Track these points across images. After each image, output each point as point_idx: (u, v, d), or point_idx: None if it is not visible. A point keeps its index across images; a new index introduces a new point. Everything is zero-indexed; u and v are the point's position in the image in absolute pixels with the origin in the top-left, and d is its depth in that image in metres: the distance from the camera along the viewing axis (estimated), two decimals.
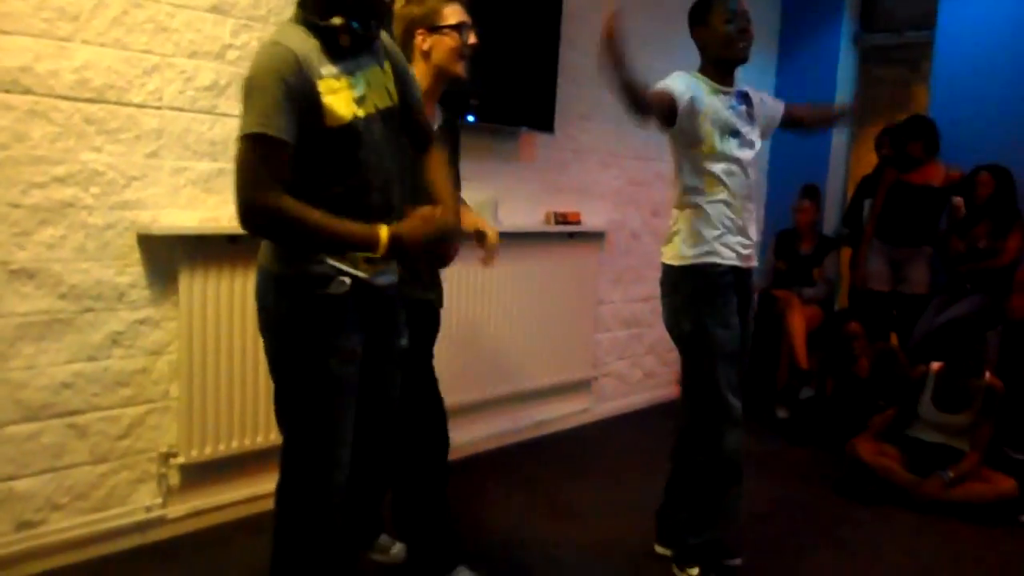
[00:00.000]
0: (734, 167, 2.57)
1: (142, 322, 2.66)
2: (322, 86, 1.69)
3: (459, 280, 3.47)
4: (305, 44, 1.69)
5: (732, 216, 2.58)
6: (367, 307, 1.86)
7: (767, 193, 5.67)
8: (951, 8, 5.00)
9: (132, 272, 2.63)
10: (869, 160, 5.24)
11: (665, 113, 2.46)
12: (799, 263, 5.01)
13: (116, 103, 2.55)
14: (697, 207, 2.57)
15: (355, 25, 1.73)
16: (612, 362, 4.63)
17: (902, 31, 5.43)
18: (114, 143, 2.56)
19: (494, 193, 3.67)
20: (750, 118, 2.65)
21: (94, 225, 2.54)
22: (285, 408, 1.86)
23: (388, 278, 1.92)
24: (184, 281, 2.67)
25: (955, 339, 3.60)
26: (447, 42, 2.27)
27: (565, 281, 4.10)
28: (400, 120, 1.90)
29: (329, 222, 1.66)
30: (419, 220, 1.75)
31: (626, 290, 4.65)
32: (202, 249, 2.70)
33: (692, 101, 2.49)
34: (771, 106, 2.75)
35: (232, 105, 2.81)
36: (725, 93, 2.60)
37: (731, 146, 2.56)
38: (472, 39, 2.31)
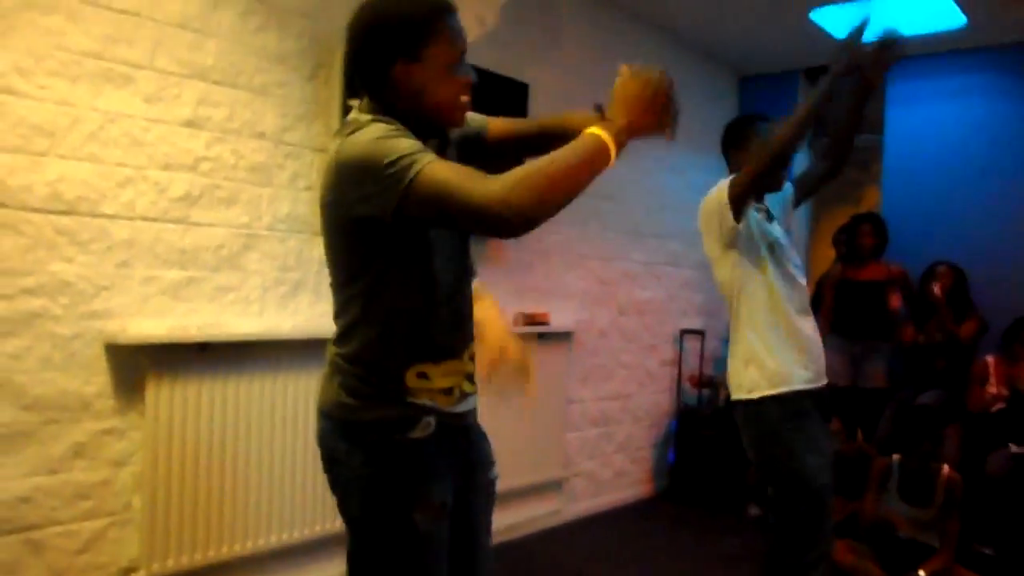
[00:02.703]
0: (792, 278, 2.54)
1: (106, 432, 2.63)
2: None
3: None
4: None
5: (804, 331, 2.49)
6: (453, 445, 1.64)
7: None
8: (898, 113, 5.27)
9: (98, 382, 2.62)
10: (828, 256, 5.39)
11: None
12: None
13: (88, 215, 2.59)
14: (763, 331, 2.45)
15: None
16: (582, 462, 4.62)
17: None
18: (85, 254, 2.58)
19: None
20: (775, 223, 2.61)
21: (61, 335, 2.54)
22: (363, 570, 1.61)
23: (469, 404, 1.68)
24: (151, 390, 2.66)
25: (911, 427, 3.65)
26: None
27: (535, 380, 4.11)
28: None
29: (563, 155, 1.37)
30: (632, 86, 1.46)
31: (595, 388, 4.68)
32: (170, 357, 2.70)
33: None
34: (783, 199, 2.69)
35: (204, 213, 2.87)
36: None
37: (786, 258, 2.53)
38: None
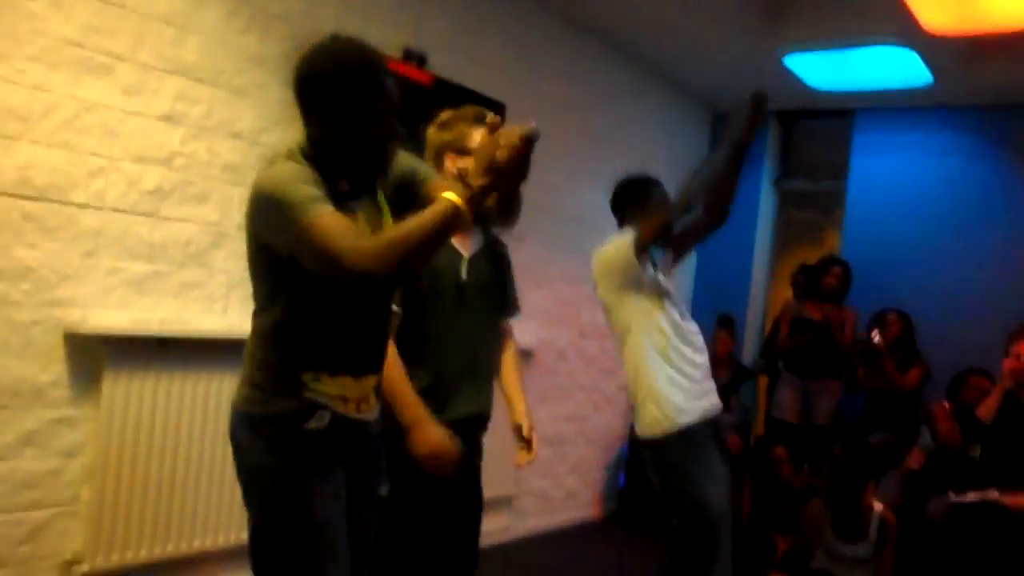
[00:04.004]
0: (683, 320, 2.71)
1: (59, 421, 2.61)
2: None
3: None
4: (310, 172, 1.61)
5: (695, 365, 2.69)
6: (349, 447, 1.75)
7: None
8: (862, 161, 5.44)
9: (55, 370, 2.59)
10: (786, 294, 5.52)
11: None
12: (717, 391, 5.17)
13: (57, 202, 2.58)
14: (658, 370, 2.61)
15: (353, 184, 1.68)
16: (534, 480, 4.64)
17: (817, 179, 5.83)
18: (51, 241, 2.57)
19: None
20: (663, 273, 2.78)
21: (20, 321, 2.51)
22: (262, 556, 1.69)
23: (370, 415, 1.79)
24: (108, 382, 2.64)
25: (845, 458, 3.74)
26: None
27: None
28: None
29: (421, 221, 1.50)
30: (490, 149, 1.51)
31: (551, 408, 4.72)
32: (130, 350, 2.68)
33: None
34: (659, 255, 2.80)
35: (175, 209, 2.87)
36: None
37: (670, 305, 2.68)
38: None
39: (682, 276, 5.83)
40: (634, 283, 2.62)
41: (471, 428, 2.22)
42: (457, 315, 2.13)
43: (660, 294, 2.65)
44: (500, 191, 1.60)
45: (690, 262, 5.93)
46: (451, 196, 1.50)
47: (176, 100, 2.86)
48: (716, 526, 2.55)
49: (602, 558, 4.45)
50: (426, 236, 1.51)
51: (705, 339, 5.53)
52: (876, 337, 4.64)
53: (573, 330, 4.83)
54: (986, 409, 4.04)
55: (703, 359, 2.73)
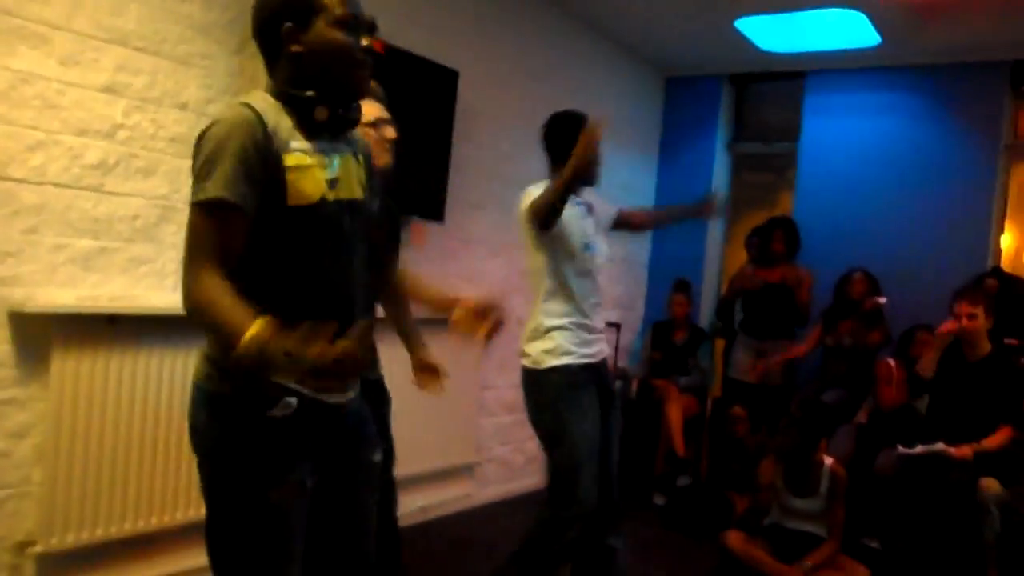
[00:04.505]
0: (588, 274, 2.82)
1: (6, 403, 2.55)
2: (289, 160, 1.52)
3: None
4: (276, 113, 1.54)
5: (585, 319, 2.81)
6: (320, 429, 1.63)
7: (647, 287, 5.96)
8: (813, 123, 5.49)
9: (0, 351, 2.53)
10: (741, 257, 5.58)
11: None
12: (674, 353, 5.25)
13: None
14: (555, 311, 2.79)
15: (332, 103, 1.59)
16: (495, 447, 4.68)
17: (770, 141, 5.89)
18: None
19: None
20: (596, 227, 2.91)
21: None
22: (218, 546, 1.60)
23: (345, 395, 1.67)
24: (56, 361, 2.58)
25: (797, 416, 3.82)
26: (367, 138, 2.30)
27: (449, 366, 4.14)
28: (368, 219, 1.71)
29: (216, 304, 1.39)
30: (311, 338, 1.32)
31: (510, 376, 4.71)
32: (78, 328, 2.63)
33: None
34: (607, 211, 3.03)
35: (120, 183, 2.80)
36: (577, 204, 2.83)
37: (587, 256, 2.82)
38: (391, 133, 2.33)
39: (638, 241, 5.87)
40: (540, 239, 2.77)
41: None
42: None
43: (571, 250, 2.77)
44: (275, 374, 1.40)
45: None
46: (250, 330, 1.32)
47: (117, 71, 2.78)
48: (578, 461, 2.70)
49: None
50: (208, 321, 1.41)
51: (661, 303, 5.63)
52: (883, 300, 4.70)
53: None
54: (923, 367, 4.15)
55: (597, 311, 2.89)
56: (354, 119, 1.67)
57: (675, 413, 4.90)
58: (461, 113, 4.03)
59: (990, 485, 3.73)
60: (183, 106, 2.97)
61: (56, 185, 2.64)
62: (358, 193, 1.67)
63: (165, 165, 2.93)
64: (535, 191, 2.74)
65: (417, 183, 3.85)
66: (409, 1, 3.81)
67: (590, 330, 2.83)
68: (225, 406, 1.56)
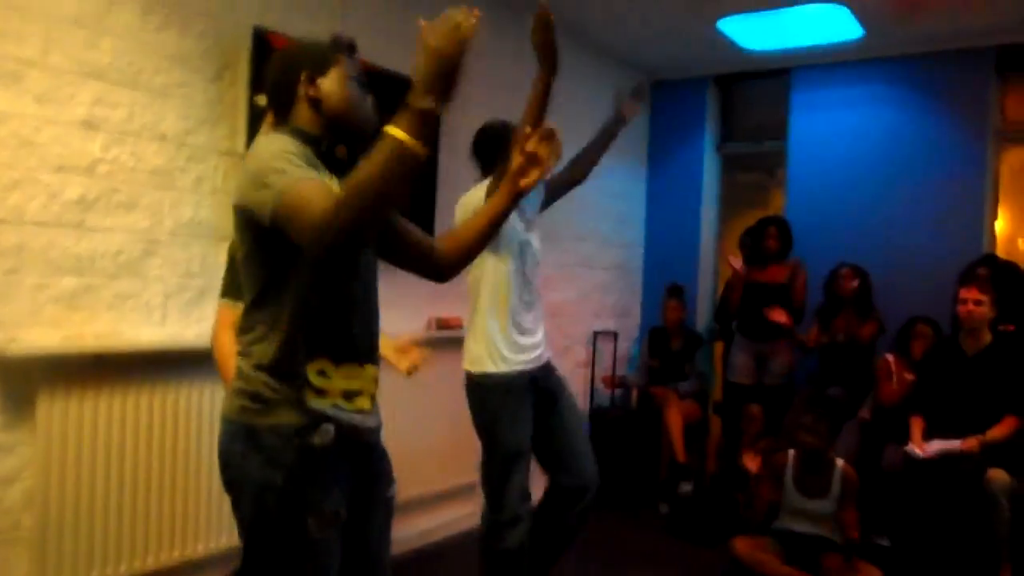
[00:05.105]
0: (525, 278, 2.86)
1: None
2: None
3: None
4: (301, 147, 1.64)
5: (523, 325, 2.85)
6: (352, 457, 1.71)
7: (642, 294, 5.93)
8: (801, 119, 5.46)
9: None
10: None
11: None
12: (671, 359, 5.21)
13: None
14: (492, 317, 2.83)
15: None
16: None
17: (759, 140, 5.86)
18: None
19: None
20: (528, 224, 2.92)
21: None
22: (255, 572, 1.67)
23: (374, 420, 1.76)
24: (43, 403, 2.54)
25: (817, 417, 3.79)
26: None
27: (447, 385, 4.08)
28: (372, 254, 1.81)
29: (360, 170, 1.41)
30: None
31: None
32: (64, 369, 2.58)
33: None
34: (534, 200, 2.96)
35: (101, 219, 2.76)
36: None
37: (524, 259, 2.85)
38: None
39: (631, 248, 5.84)
40: None
41: None
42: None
43: (511, 252, 2.82)
44: (450, 93, 1.49)
45: (638, 233, 5.94)
46: (391, 129, 1.40)
47: (94, 105, 2.74)
48: (509, 464, 2.83)
49: None
50: (377, 182, 1.39)
51: (657, 309, 5.59)
52: (851, 285, 4.69)
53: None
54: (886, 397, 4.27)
55: (535, 317, 2.94)
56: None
57: (675, 420, 4.86)
58: (446, 128, 4.00)
59: (998, 476, 3.69)
60: (162, 137, 2.94)
61: (36, 224, 2.60)
62: None
63: (147, 198, 2.89)
64: (469, 199, 2.81)
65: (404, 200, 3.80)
66: (387, 19, 3.78)
67: (527, 336, 2.89)
68: (266, 436, 1.59)
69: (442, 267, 1.86)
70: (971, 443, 3.80)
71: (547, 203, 3.11)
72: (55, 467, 2.56)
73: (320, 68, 1.71)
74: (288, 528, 1.60)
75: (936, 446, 3.87)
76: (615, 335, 5.48)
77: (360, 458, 1.73)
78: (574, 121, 5.16)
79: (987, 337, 3.99)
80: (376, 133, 1.67)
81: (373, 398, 1.75)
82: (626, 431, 5.08)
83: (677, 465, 4.82)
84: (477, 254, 1.89)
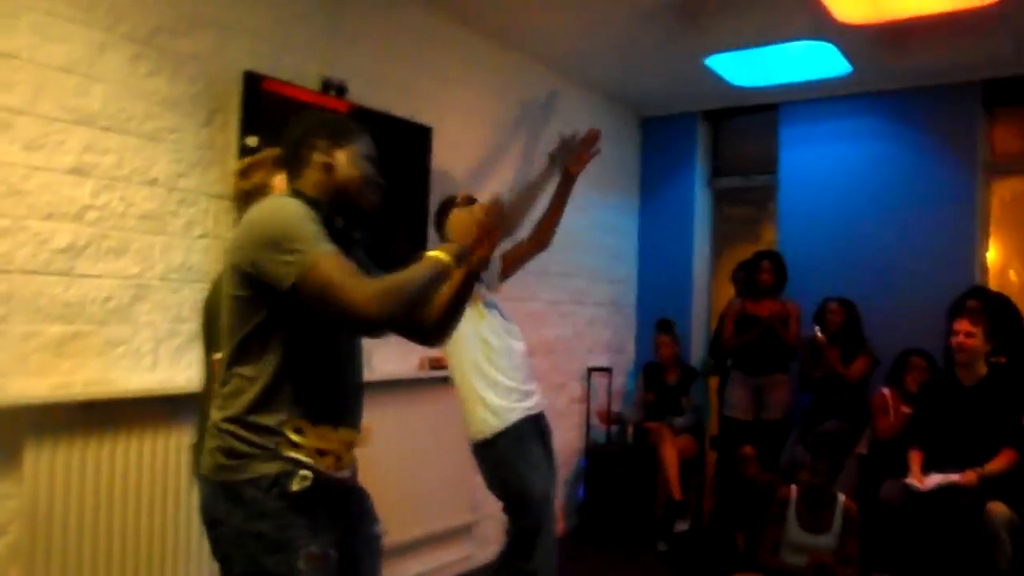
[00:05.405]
0: (500, 334, 2.90)
1: None
2: None
3: None
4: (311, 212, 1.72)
5: (514, 374, 2.89)
6: (331, 502, 1.77)
7: (636, 329, 5.91)
8: (790, 155, 5.50)
9: None
10: (728, 293, 5.55)
11: None
12: (667, 394, 5.19)
13: None
14: (484, 377, 2.86)
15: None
16: (491, 504, 4.55)
17: (749, 174, 5.89)
18: None
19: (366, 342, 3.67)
20: (488, 288, 3.00)
21: None
22: None
23: (348, 471, 1.84)
24: (30, 454, 2.49)
25: (820, 452, 3.77)
26: None
27: (440, 425, 4.06)
28: None
29: (402, 275, 1.67)
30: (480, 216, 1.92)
31: None
32: (52, 418, 2.55)
33: None
34: (491, 271, 3.05)
35: (91, 265, 2.74)
36: None
37: (493, 316, 2.91)
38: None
39: (624, 283, 5.84)
40: None
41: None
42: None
43: (482, 309, 2.86)
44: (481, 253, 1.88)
45: (631, 267, 5.94)
46: (434, 253, 1.71)
47: (84, 151, 2.74)
48: (538, 507, 2.81)
49: (568, 574, 4.39)
50: (418, 285, 1.66)
51: (650, 343, 5.58)
52: (818, 332, 4.69)
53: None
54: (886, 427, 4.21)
55: (523, 364, 2.96)
56: (359, 239, 1.88)
57: (670, 456, 4.82)
58: (436, 168, 4.01)
59: (998, 509, 3.66)
60: (153, 182, 2.93)
61: (24, 272, 2.58)
62: None
63: (136, 243, 2.88)
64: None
65: (398, 241, 3.80)
66: (377, 61, 3.80)
67: (519, 383, 2.91)
68: (243, 491, 1.64)
69: (426, 333, 1.98)
70: (970, 476, 3.77)
71: (505, 276, 3.18)
72: (42, 519, 2.50)
73: (341, 139, 1.80)
74: (281, 574, 1.64)
75: (935, 479, 3.85)
76: (610, 371, 5.45)
77: (339, 502, 1.80)
78: None
79: (983, 369, 3.98)
80: (376, 215, 1.88)
81: (348, 455, 1.82)
82: (622, 467, 5.03)
83: (673, 502, 4.77)
84: (458, 316, 1.98)
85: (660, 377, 5.26)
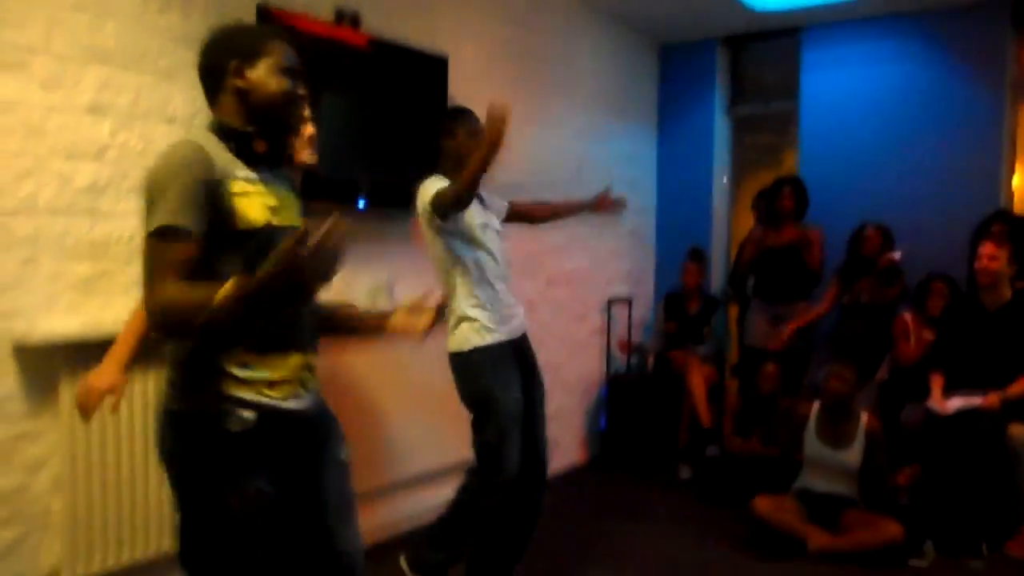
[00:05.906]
0: (491, 253, 2.95)
1: (19, 437, 2.53)
2: (234, 186, 1.64)
3: (333, 366, 3.39)
4: (217, 146, 1.67)
5: (497, 297, 2.95)
6: (283, 436, 1.75)
7: (656, 259, 5.90)
8: (812, 78, 5.39)
9: (7, 384, 2.51)
10: (748, 221, 5.50)
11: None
12: (689, 323, 5.20)
13: None
14: (468, 295, 2.91)
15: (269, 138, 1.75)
16: None
17: (770, 101, 5.79)
18: None
19: (388, 275, 3.69)
20: (489, 210, 3.07)
21: None
22: (189, 555, 1.77)
23: (304, 402, 1.78)
24: (66, 390, 2.55)
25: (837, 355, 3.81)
26: None
27: (437, 362, 4.02)
28: None
29: (181, 294, 1.50)
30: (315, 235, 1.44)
31: None
32: (84, 355, 2.59)
33: None
34: (498, 204, 3.18)
35: (113, 204, 2.76)
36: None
37: (487, 236, 2.95)
38: (310, 130, 2.35)
39: (643, 214, 5.80)
40: (442, 228, 2.90)
41: None
42: None
43: (470, 237, 2.91)
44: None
45: (650, 198, 5.90)
46: (223, 290, 1.45)
47: (100, 90, 2.73)
48: (501, 416, 2.86)
49: (589, 501, 4.49)
50: (185, 308, 1.49)
51: (671, 275, 5.57)
52: (897, 255, 4.59)
53: (540, 279, 4.79)
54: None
55: (507, 288, 3.02)
56: (289, 154, 1.84)
57: (698, 383, 4.86)
58: (453, 100, 3.96)
59: (1020, 431, 3.69)
60: (171, 120, 2.92)
61: (49, 212, 2.60)
62: (297, 222, 1.79)
63: None
64: (433, 185, 2.90)
65: (413, 176, 3.78)
66: None
67: (504, 306, 2.97)
68: (185, 424, 1.69)
69: (153, 323, 1.60)
70: (992, 399, 3.79)
71: (512, 220, 3.28)
72: (81, 451, 2.58)
73: (252, 56, 1.70)
74: (210, 508, 1.70)
75: (957, 402, 3.87)
76: (629, 301, 5.47)
77: (295, 432, 1.77)
78: (587, 90, 5.14)
79: (1007, 293, 3.96)
80: (295, 132, 1.82)
81: (302, 384, 1.77)
82: (643, 396, 5.08)
83: (700, 428, 4.83)
84: (192, 330, 1.54)
85: (682, 307, 5.27)
